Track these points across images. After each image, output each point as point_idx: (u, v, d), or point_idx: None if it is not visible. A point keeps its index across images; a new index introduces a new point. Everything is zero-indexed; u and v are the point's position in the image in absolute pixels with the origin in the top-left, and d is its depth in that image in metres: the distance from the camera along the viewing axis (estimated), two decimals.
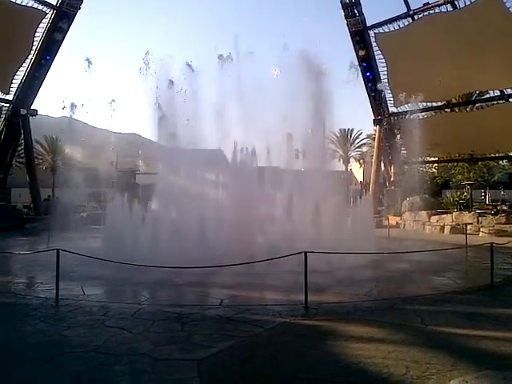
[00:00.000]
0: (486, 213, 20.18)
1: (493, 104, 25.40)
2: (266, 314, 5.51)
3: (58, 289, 6.31)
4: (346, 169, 46.77)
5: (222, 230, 10.42)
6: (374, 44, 26.67)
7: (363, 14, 26.36)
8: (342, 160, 50.07)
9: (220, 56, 13.32)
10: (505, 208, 21.86)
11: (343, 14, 26.45)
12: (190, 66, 13.29)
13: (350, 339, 4.58)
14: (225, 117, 13.51)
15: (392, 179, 27.17)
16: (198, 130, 13.14)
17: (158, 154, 14.19)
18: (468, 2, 22.58)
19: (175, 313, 5.57)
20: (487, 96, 26.87)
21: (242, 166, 12.53)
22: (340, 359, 4.04)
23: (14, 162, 27.38)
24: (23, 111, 24.16)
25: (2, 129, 24.42)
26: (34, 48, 23.64)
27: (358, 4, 26.16)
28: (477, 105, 27.81)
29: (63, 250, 6.63)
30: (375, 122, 28.40)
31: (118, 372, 3.79)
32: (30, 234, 17.22)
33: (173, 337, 4.70)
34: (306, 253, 6.11)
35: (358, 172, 48.81)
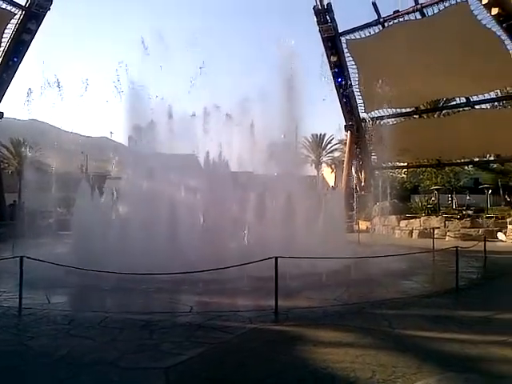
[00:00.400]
0: (452, 217, 20.79)
1: (459, 111, 26.23)
2: (236, 321, 5.50)
3: (21, 297, 6.11)
4: (318, 174, 47.23)
5: (194, 235, 10.33)
6: (345, 50, 27.15)
7: (335, 20, 26.89)
8: (313, 165, 50.56)
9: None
10: (470, 213, 22.54)
11: (316, 20, 26.84)
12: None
13: (318, 344, 4.61)
14: (199, 122, 13.47)
15: (362, 184, 27.64)
16: (171, 135, 13.04)
17: (128, 159, 13.95)
18: (436, 11, 23.33)
19: (144, 320, 5.48)
20: (454, 103, 27.76)
21: (214, 170, 12.51)
22: (309, 364, 4.06)
23: None
24: None
25: None
26: (1, 49, 23.04)
27: (330, 11, 26.62)
28: (444, 111, 28.72)
29: (28, 258, 6.43)
30: (346, 128, 28.89)
31: (82, 382, 3.70)
32: None
33: (141, 345, 4.62)
34: (276, 258, 6.13)
35: (329, 177, 49.36)
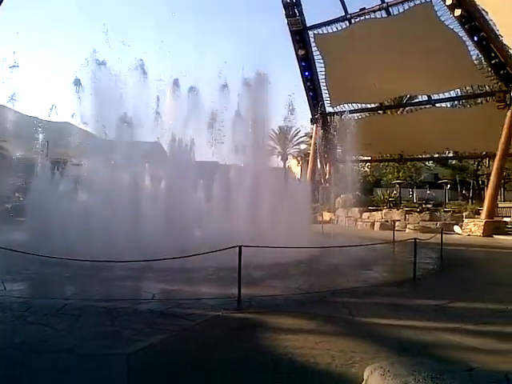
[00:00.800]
0: (412, 210, 21.45)
1: (421, 108, 26.96)
2: (199, 308, 5.49)
3: None
4: (284, 165, 47.55)
5: (157, 223, 10.20)
6: (313, 44, 27.33)
7: (303, 14, 27.00)
8: (280, 157, 50.83)
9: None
10: (429, 206, 23.30)
11: (284, 12, 26.85)
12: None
13: (279, 331, 4.67)
14: (164, 110, 13.28)
15: (327, 177, 28.05)
16: (135, 122, 12.79)
17: (90, 145, 13.58)
18: (402, 10, 23.78)
19: (105, 307, 5.39)
20: (416, 100, 28.50)
21: (179, 159, 12.38)
22: (269, 351, 4.11)
23: None
24: None
25: None
26: None
27: (298, 4, 26.70)
28: (407, 108, 29.44)
29: None
30: (312, 121, 29.17)
31: (38, 369, 3.61)
32: None
33: (101, 332, 4.54)
34: (240, 247, 6.15)
35: (295, 169, 49.81)
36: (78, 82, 12.63)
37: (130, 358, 3.85)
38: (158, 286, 6.88)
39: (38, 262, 7.58)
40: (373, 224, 21.22)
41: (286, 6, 26.74)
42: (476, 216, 20.34)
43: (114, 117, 12.33)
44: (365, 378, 2.03)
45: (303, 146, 51.51)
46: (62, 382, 3.49)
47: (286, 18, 26.92)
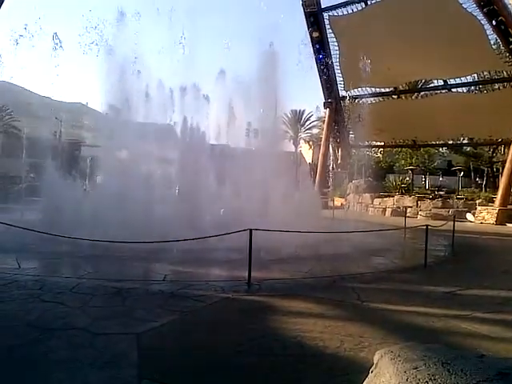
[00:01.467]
0: (424, 197, 21.27)
1: (436, 93, 26.48)
2: (209, 290, 5.55)
3: None
4: (296, 150, 47.34)
5: (169, 205, 10.28)
6: (327, 26, 26.86)
7: None
8: (292, 141, 50.58)
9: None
10: (442, 193, 23.08)
11: None
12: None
13: (289, 314, 4.71)
14: (176, 93, 13.22)
15: (339, 162, 27.87)
16: (147, 103, 12.79)
17: (104, 126, 13.64)
18: None
19: (116, 287, 5.47)
20: (432, 85, 27.98)
21: (191, 142, 12.38)
22: (279, 334, 4.14)
23: None
24: None
25: None
26: None
27: None
28: (422, 93, 28.94)
29: None
30: (325, 105, 28.85)
31: (53, 346, 3.68)
32: None
33: (113, 311, 4.62)
34: (251, 230, 6.16)
35: (307, 154, 49.55)
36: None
37: (140, 337, 3.91)
38: (169, 268, 6.95)
39: (51, 241, 7.69)
40: (384, 210, 21.12)
41: None
42: (489, 204, 20.11)
43: (127, 98, 12.34)
44: (374, 361, 2.03)
45: (315, 131, 51.18)
46: (75, 360, 3.56)
47: None
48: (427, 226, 8.35)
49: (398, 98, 28.45)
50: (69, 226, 8.59)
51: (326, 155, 28.36)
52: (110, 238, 6.90)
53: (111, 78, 11.99)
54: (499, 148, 32.40)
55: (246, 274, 5.91)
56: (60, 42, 13.59)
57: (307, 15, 26.71)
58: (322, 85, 28.25)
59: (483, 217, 18.78)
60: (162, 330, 4.15)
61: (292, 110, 48.94)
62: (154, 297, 5.20)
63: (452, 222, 10.35)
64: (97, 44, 12.48)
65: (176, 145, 13.17)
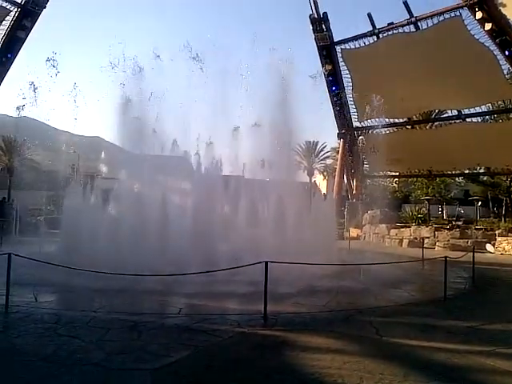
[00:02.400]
0: (442, 227, 20.91)
1: (450, 123, 26.48)
2: (225, 324, 5.48)
3: (8, 295, 6.03)
4: (310, 180, 47.39)
5: (184, 237, 10.29)
6: (340, 59, 27.34)
7: (331, 29, 27.07)
8: (306, 171, 50.72)
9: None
10: (459, 223, 22.69)
11: (311, 28, 27.01)
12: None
13: (306, 350, 4.61)
14: (191, 124, 13.42)
15: (354, 192, 27.77)
16: (163, 136, 13.01)
17: (120, 159, 13.90)
18: (430, 24, 23.56)
19: (132, 321, 5.45)
20: (446, 115, 28.02)
21: (206, 173, 12.50)
22: (296, 370, 4.05)
23: None
24: None
25: None
26: None
27: (326, 20, 26.83)
28: (436, 123, 28.98)
29: (15, 255, 6.35)
30: (339, 136, 29.05)
31: (66, 382, 3.66)
32: None
33: (128, 346, 4.59)
34: (266, 263, 6.12)
35: (321, 184, 49.59)
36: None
37: (155, 374, 3.87)
38: (184, 301, 6.91)
39: (68, 273, 7.72)
40: (401, 241, 20.79)
41: (313, 21, 26.92)
42: (509, 234, 19.65)
43: (142, 131, 12.60)
44: None
45: (329, 161, 51.31)
46: None
47: (314, 33, 27.06)
48: (446, 257, 8.19)
49: (412, 128, 28.50)
50: (85, 258, 8.65)
51: (340, 185, 28.33)
52: (126, 270, 6.92)
53: (127, 114, 12.31)
54: None
55: (262, 308, 5.83)
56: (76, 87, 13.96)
57: (320, 49, 27.27)
58: (335, 116, 28.54)
59: (503, 247, 18.32)
60: (177, 365, 4.10)
61: (306, 141, 49.27)
62: (169, 331, 5.17)
63: (471, 253, 10.13)
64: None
65: (190, 176, 13.29)
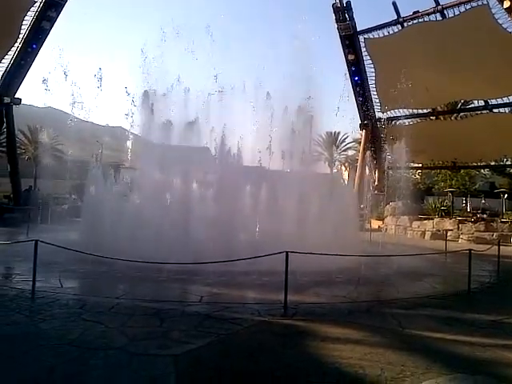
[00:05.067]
0: (466, 220, 20.52)
1: (477, 113, 25.83)
2: (245, 313, 5.51)
3: (34, 280, 6.21)
4: (331, 172, 47.03)
5: (205, 227, 10.36)
6: (363, 49, 26.86)
7: (354, 19, 26.55)
8: (327, 163, 50.30)
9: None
10: (484, 216, 22.22)
11: (334, 17, 26.58)
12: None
13: (326, 340, 4.60)
14: (212, 114, 13.44)
15: (376, 183, 27.42)
16: (185, 126, 13.06)
17: (143, 149, 14.04)
18: (457, 12, 22.90)
19: (154, 308, 5.54)
20: (472, 105, 27.33)
21: (228, 164, 12.52)
22: (316, 359, 4.05)
23: None
24: (7, 99, 23.74)
25: None
26: (20, 36, 23.20)
27: (349, 9, 26.31)
28: (461, 114, 28.27)
29: (42, 242, 6.51)
30: (361, 127, 28.63)
31: (92, 366, 3.75)
32: (9, 224, 16.90)
33: (150, 332, 4.67)
34: (287, 253, 6.12)
35: (343, 175, 49.14)
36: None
37: (177, 359, 3.92)
38: (205, 289, 6.96)
39: (91, 260, 7.89)
40: (423, 233, 20.49)
41: (336, 10, 26.45)
42: None
43: (165, 122, 12.69)
44: None
45: (351, 152, 50.76)
46: (114, 379, 3.61)
47: (336, 22, 26.60)
48: (470, 250, 8.04)
49: (437, 119, 27.90)
50: (108, 246, 8.79)
51: (362, 177, 27.99)
52: (148, 259, 7.02)
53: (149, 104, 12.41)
54: None
55: (282, 297, 5.84)
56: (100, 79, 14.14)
57: (342, 38, 26.83)
58: (357, 107, 28.11)
59: None
60: (199, 352, 4.14)
61: (327, 132, 48.81)
62: (190, 318, 5.22)
63: (496, 247, 9.91)
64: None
65: (212, 167, 13.35)
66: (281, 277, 6.09)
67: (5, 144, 26.77)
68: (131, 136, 15.58)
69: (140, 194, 12.70)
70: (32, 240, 6.58)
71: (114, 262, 7.35)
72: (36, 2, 22.93)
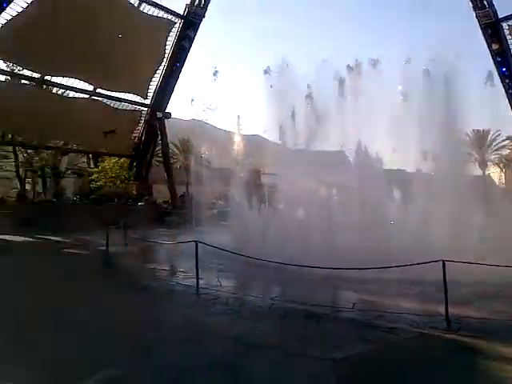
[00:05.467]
0: None
1: None
2: (401, 323, 5.25)
3: (198, 278, 6.82)
4: (484, 173, 42.71)
5: (349, 232, 10.24)
6: (508, 37, 24.07)
7: (493, 5, 23.93)
8: (477, 164, 45.72)
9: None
10: None
11: (471, 5, 24.29)
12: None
13: (500, 360, 4.15)
14: (347, 118, 13.23)
15: None
16: (320, 131, 13.11)
17: (280, 156, 14.45)
18: None
19: (307, 311, 5.63)
20: None
21: (366, 168, 12.13)
22: (486, 380, 3.71)
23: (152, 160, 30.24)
24: (159, 114, 26.60)
25: (143, 131, 27.20)
26: (166, 56, 25.81)
27: None
28: None
29: (201, 243, 7.13)
30: None
31: (252, 363, 3.99)
32: (169, 226, 18.93)
33: (306, 335, 4.78)
34: (444, 261, 5.70)
35: (498, 177, 44.31)
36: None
37: (337, 364, 3.93)
38: (355, 295, 6.83)
39: (243, 262, 8.37)
40: None
41: None
42: None
43: (302, 128, 12.93)
44: None
45: (505, 152, 45.39)
46: (275, 378, 3.78)
47: (474, 10, 24.26)
48: None
49: None
50: (255, 249, 9.20)
51: None
52: (295, 262, 7.16)
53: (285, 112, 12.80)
54: None
55: (443, 310, 5.42)
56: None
57: (483, 27, 24.35)
58: (508, 100, 25.15)
59: None
60: (357, 359, 4.11)
61: (474, 130, 44.42)
62: (344, 324, 5.20)
63: None
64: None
65: (350, 171, 13.10)
66: (435, 286, 5.77)
67: (160, 155, 29.98)
68: (268, 143, 16.25)
69: (281, 199, 13.10)
70: (192, 241, 7.26)
71: (264, 264, 7.67)
72: (175, 23, 25.32)
